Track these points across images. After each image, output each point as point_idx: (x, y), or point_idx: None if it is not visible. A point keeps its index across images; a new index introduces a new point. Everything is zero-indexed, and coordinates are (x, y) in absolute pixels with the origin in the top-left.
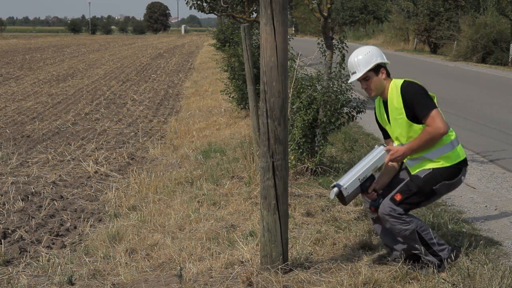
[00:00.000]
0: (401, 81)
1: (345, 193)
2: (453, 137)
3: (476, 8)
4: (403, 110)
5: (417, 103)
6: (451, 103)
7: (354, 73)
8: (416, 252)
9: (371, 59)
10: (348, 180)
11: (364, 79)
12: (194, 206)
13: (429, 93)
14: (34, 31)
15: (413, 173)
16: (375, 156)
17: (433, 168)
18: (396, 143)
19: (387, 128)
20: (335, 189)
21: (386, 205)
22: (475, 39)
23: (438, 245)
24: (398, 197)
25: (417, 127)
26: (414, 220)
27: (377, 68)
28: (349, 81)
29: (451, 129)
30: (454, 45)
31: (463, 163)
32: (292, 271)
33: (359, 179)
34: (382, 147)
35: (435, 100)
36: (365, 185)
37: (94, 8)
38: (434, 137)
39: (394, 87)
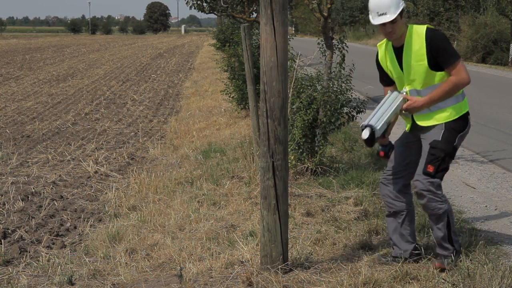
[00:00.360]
0: (423, 27)
1: (377, 134)
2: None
3: (476, 8)
4: (425, 56)
5: (443, 51)
6: None
7: (383, 14)
8: (417, 252)
9: (399, 2)
10: (379, 122)
11: (392, 21)
12: (194, 206)
13: None
14: (34, 31)
15: (418, 122)
16: (395, 101)
17: (444, 123)
18: (407, 88)
19: (395, 74)
20: (368, 129)
21: (422, 180)
22: (475, 39)
23: (455, 235)
24: (431, 169)
25: (436, 74)
26: (447, 201)
27: (401, 12)
28: (375, 22)
29: None
30: (454, 45)
31: (468, 113)
32: (292, 271)
33: (387, 122)
34: (396, 92)
35: None
36: (385, 130)
37: (94, 8)
38: (458, 87)
39: (415, 33)
